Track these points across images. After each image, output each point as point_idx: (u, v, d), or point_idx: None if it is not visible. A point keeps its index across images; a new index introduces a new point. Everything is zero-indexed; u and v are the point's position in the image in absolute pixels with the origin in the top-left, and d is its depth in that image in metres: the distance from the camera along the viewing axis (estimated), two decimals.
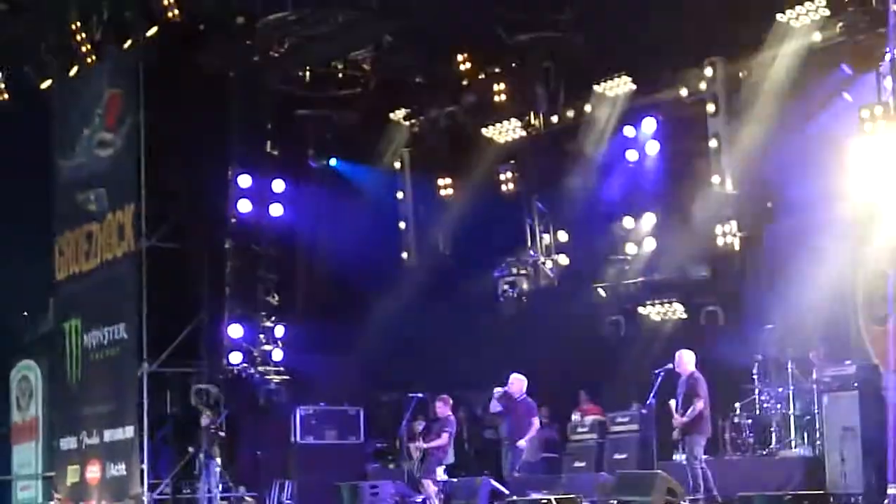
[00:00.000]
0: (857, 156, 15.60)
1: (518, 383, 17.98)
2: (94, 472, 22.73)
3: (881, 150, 15.26)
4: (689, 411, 15.17)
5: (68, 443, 23.62)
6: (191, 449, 20.90)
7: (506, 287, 22.23)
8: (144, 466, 21.24)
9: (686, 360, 15.60)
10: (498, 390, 17.99)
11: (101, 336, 22.85)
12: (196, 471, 20.83)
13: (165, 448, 21.59)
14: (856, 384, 14.64)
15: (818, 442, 15.96)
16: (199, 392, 21.45)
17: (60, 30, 22.76)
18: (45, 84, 23.95)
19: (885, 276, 15.91)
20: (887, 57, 15.36)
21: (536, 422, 18.03)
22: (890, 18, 15.15)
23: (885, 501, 13.35)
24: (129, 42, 21.93)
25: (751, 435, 17.19)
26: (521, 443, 17.65)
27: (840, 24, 16.22)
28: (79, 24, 22.30)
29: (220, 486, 20.55)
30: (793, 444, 16.82)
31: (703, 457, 15.43)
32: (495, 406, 18.14)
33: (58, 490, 23.65)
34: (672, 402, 15.58)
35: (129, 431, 21.75)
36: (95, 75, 23.06)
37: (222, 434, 20.74)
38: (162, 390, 21.73)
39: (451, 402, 18.59)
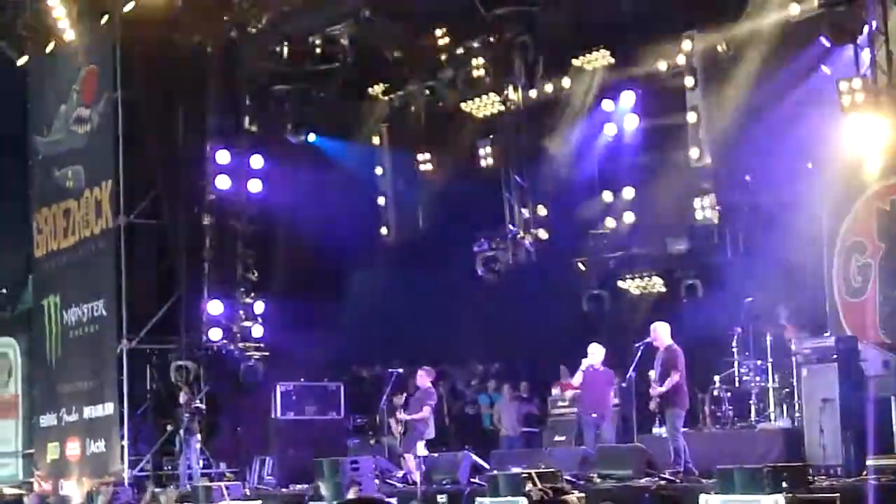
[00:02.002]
0: (836, 129, 15.64)
1: (600, 353, 17.24)
2: (74, 448, 22.71)
3: (859, 123, 15.30)
4: (665, 383, 15.21)
5: (48, 420, 23.59)
6: (170, 426, 20.88)
7: (485, 262, 22.22)
8: (125, 443, 21.23)
9: (661, 333, 15.61)
10: (585, 362, 17.17)
11: (81, 313, 22.79)
12: (176, 447, 20.82)
13: (145, 425, 21.59)
14: (835, 356, 14.69)
15: (797, 414, 16.03)
16: (179, 369, 21.43)
17: (37, 6, 22.57)
18: (22, 61, 23.78)
19: (862, 247, 16.01)
20: (865, 29, 15.38)
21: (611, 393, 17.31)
22: None
23: (864, 472, 13.43)
24: (105, 18, 21.78)
25: (730, 408, 17.26)
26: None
27: None
28: (55, 0, 22.12)
29: (201, 462, 20.56)
30: (772, 416, 16.90)
31: (682, 430, 15.49)
32: (579, 379, 17.27)
33: (38, 467, 23.62)
34: (651, 374, 15.62)
35: (108, 408, 21.73)
36: (72, 52, 22.91)
37: (202, 410, 20.72)
38: (141, 367, 21.70)
39: (433, 373, 18.53)
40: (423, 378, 18.31)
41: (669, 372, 15.25)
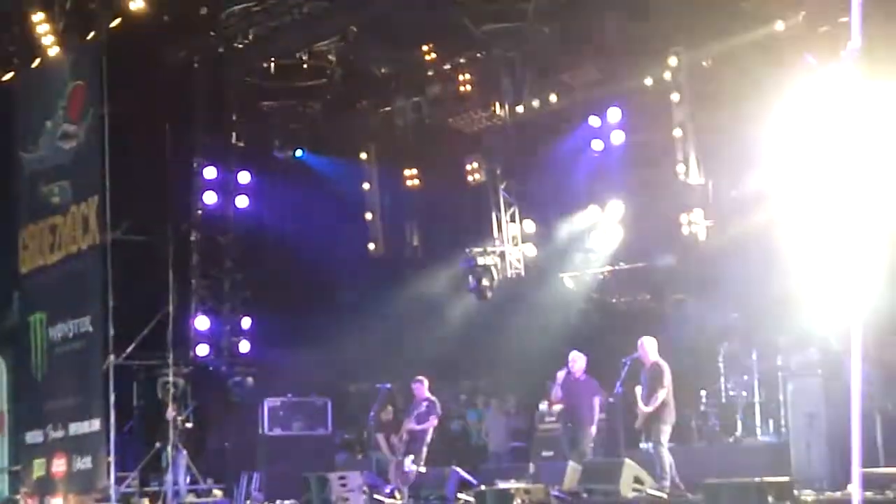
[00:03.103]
0: (821, 144, 15.70)
1: (581, 361, 16.98)
2: (59, 465, 22.59)
3: (845, 139, 15.32)
4: (651, 400, 15.23)
5: (34, 436, 23.45)
6: (157, 442, 20.81)
7: (473, 277, 22.25)
8: (111, 459, 21.15)
9: (648, 348, 15.63)
10: (560, 375, 16.95)
11: (67, 329, 22.69)
12: (163, 464, 20.75)
13: (132, 441, 21.49)
14: (820, 371, 14.74)
15: (783, 429, 16.07)
16: (166, 385, 21.34)
17: (22, 21, 22.55)
18: (8, 76, 23.73)
19: (848, 261, 16.03)
20: (850, 46, 15.43)
21: (597, 402, 16.85)
22: (853, 7, 15.21)
23: (848, 485, 13.46)
24: (92, 34, 21.75)
25: (717, 422, 17.29)
26: (591, 430, 16.66)
27: (802, 12, 16.30)
28: (41, 15, 22.11)
29: (188, 478, 20.49)
30: (758, 430, 16.94)
31: (669, 444, 15.50)
32: (557, 393, 17.02)
33: (24, 484, 23.50)
34: (638, 390, 15.63)
35: (95, 424, 21.62)
36: (58, 67, 22.87)
37: (189, 426, 20.68)
38: (128, 383, 21.61)
39: (426, 382, 18.41)
40: (422, 388, 18.20)
41: (656, 388, 15.27)
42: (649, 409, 15.25)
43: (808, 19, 16.07)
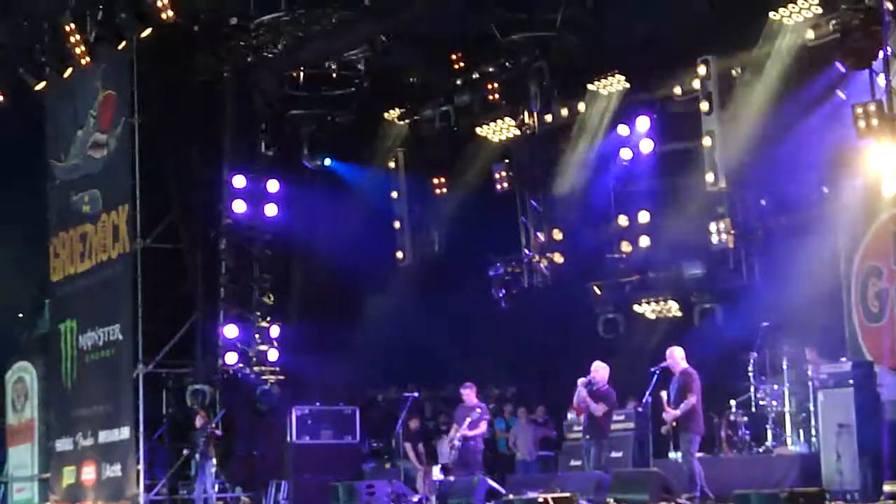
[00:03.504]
0: (851, 153, 15.64)
1: (603, 371, 16.99)
2: (89, 473, 22.71)
3: (875, 148, 15.29)
4: (681, 406, 15.18)
5: (64, 444, 23.59)
6: (186, 450, 20.88)
7: (501, 285, 22.25)
8: (140, 467, 21.23)
9: (678, 357, 15.62)
10: (582, 380, 16.99)
11: (97, 337, 22.82)
12: (192, 471, 20.82)
13: (161, 449, 21.57)
14: (851, 381, 14.66)
15: (814, 439, 15.98)
16: (195, 393, 21.43)
17: (54, 31, 22.72)
18: (40, 86, 23.91)
19: (879, 272, 15.97)
20: (880, 55, 15.39)
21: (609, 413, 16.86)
22: (884, 16, 15.19)
23: (882, 498, 13.37)
24: (122, 43, 21.90)
25: (747, 432, 17.20)
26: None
27: (833, 21, 16.24)
28: (73, 25, 22.26)
29: (216, 486, 20.55)
30: (788, 441, 16.84)
31: (698, 454, 15.45)
32: (581, 400, 17.05)
33: (54, 491, 23.63)
34: (664, 395, 15.57)
35: (124, 432, 21.73)
36: (89, 76, 23.03)
37: (218, 434, 20.74)
38: (157, 391, 21.70)
39: (475, 388, 18.25)
40: (471, 394, 18.14)
41: (685, 395, 15.23)
42: (677, 412, 15.18)
43: (838, 28, 15.99)
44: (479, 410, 17.90)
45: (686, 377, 15.43)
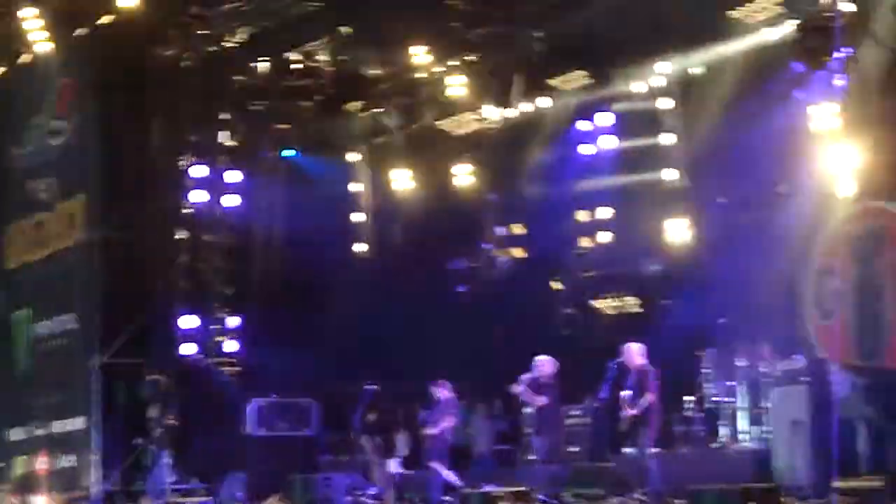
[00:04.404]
0: (808, 152, 15.74)
1: (547, 365, 17.11)
2: (42, 463, 22.55)
3: (831, 148, 15.41)
4: (639, 404, 15.25)
5: (17, 434, 23.42)
6: (141, 441, 20.77)
7: (461, 279, 22.26)
8: (95, 458, 21.10)
9: (634, 353, 15.67)
10: (524, 378, 17.13)
11: (52, 326, 22.67)
12: (147, 462, 20.71)
13: (116, 439, 21.44)
14: (804, 378, 14.77)
15: (768, 435, 16.09)
16: (151, 383, 21.31)
17: (12, 17, 22.48)
18: None
19: (833, 271, 16.09)
20: (837, 55, 15.50)
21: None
22: (839, 17, 15.31)
23: (833, 493, 13.49)
24: (82, 30, 21.72)
25: (702, 428, 17.30)
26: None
27: (791, 21, 16.34)
28: (31, 10, 22.04)
29: (172, 477, 20.44)
30: (742, 437, 16.95)
31: (653, 450, 15.52)
32: (529, 396, 17.19)
33: (6, 481, 23.44)
34: (623, 394, 15.64)
35: (79, 422, 21.60)
36: (47, 63, 22.83)
37: (174, 425, 20.63)
38: (113, 381, 21.57)
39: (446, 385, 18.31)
40: (444, 390, 18.17)
41: (643, 392, 15.29)
42: (635, 412, 15.27)
43: (797, 28, 16.09)
44: (444, 405, 18.08)
45: (642, 374, 15.50)
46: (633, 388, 15.43)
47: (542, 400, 16.83)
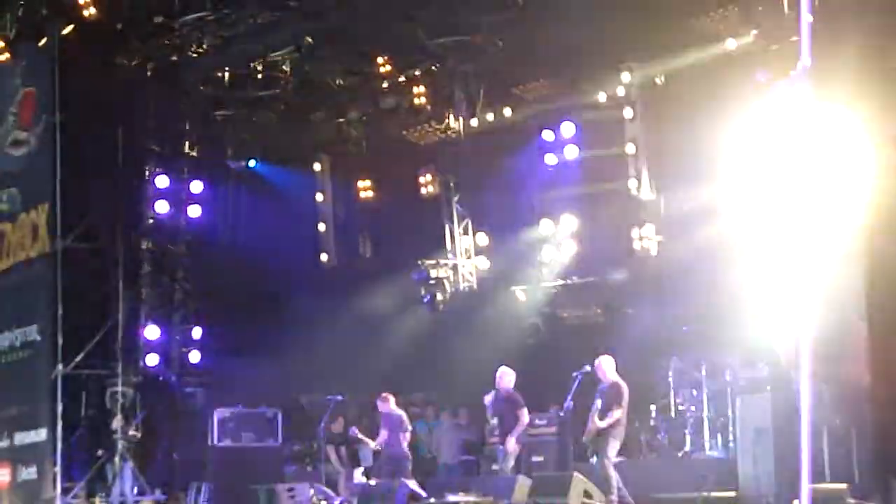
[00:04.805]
0: (771, 161, 15.83)
1: (508, 376, 17.18)
2: (3, 475, 22.31)
3: (793, 156, 15.49)
4: (606, 417, 15.25)
5: None
6: (100, 452, 20.62)
7: (425, 289, 22.26)
8: (57, 469, 20.90)
9: (606, 367, 15.66)
10: (488, 397, 17.28)
11: (13, 338, 22.41)
12: (110, 474, 20.56)
13: (79, 451, 21.26)
14: (768, 386, 14.86)
15: (731, 444, 16.16)
16: (115, 395, 21.16)
17: None
18: None
19: (796, 279, 16.19)
20: (800, 65, 15.61)
21: (523, 416, 17.03)
22: (804, 26, 15.40)
23: (795, 502, 13.56)
24: (44, 40, 21.56)
25: (665, 436, 17.37)
26: (510, 443, 16.89)
27: (753, 31, 16.48)
28: None
29: (135, 489, 20.30)
30: (707, 445, 17.03)
31: (616, 459, 15.54)
32: (491, 409, 17.38)
33: None
34: (592, 408, 15.60)
35: (41, 434, 21.36)
36: (9, 73, 22.62)
37: (137, 437, 20.50)
38: (76, 392, 21.39)
39: (391, 398, 18.43)
40: (387, 403, 18.24)
41: (612, 407, 15.29)
42: (602, 424, 15.27)
43: (759, 38, 16.23)
44: (395, 420, 18.17)
45: (615, 389, 15.47)
46: (603, 402, 15.41)
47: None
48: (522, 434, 17.11)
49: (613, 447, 15.30)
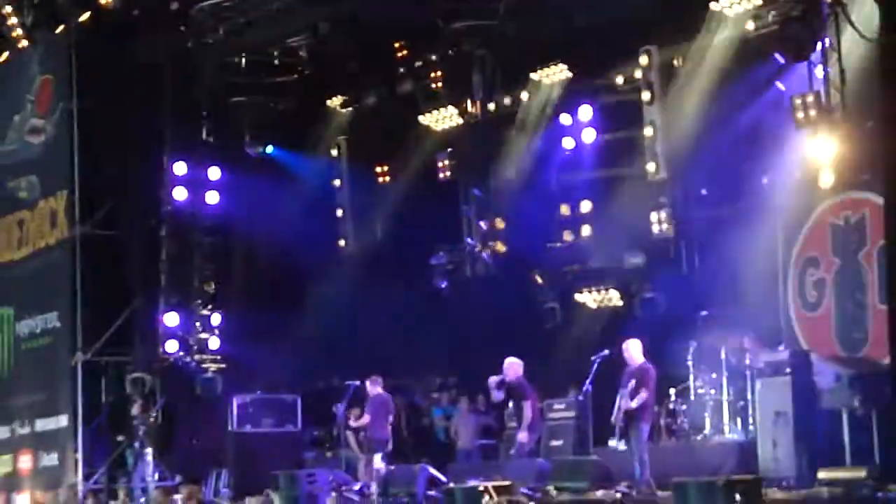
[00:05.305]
0: (790, 144, 15.80)
1: (514, 367, 17.23)
2: (25, 461, 22.49)
3: (813, 139, 15.47)
4: (635, 400, 15.17)
5: (0, 432, 23.34)
6: (121, 438, 20.74)
7: (443, 274, 22.25)
8: (78, 456, 21.04)
9: (634, 350, 15.56)
10: (493, 379, 17.31)
11: (34, 325, 22.60)
12: (130, 460, 20.67)
13: (99, 437, 21.40)
14: (788, 370, 14.82)
15: (751, 427, 16.13)
16: (135, 381, 21.27)
17: None
18: None
19: (816, 262, 16.15)
20: (819, 46, 15.56)
21: (528, 408, 17.03)
22: (822, 8, 15.36)
23: (817, 485, 13.55)
24: (61, 27, 21.64)
25: (685, 420, 17.32)
26: (521, 436, 16.96)
27: (772, 13, 16.39)
28: (10, 8, 21.95)
29: (156, 475, 20.40)
30: (726, 429, 16.98)
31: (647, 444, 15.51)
32: (497, 396, 17.42)
33: None
34: (620, 391, 15.49)
35: (62, 421, 21.54)
36: (27, 60, 22.75)
37: (157, 423, 20.59)
38: (96, 379, 21.53)
39: (379, 380, 18.57)
40: (376, 385, 18.33)
41: (639, 390, 15.21)
42: (633, 405, 15.17)
43: (778, 20, 16.14)
44: (378, 401, 18.31)
45: (643, 373, 15.38)
46: (632, 386, 15.31)
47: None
48: (535, 423, 17.12)
49: (645, 431, 15.23)
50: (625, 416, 15.30)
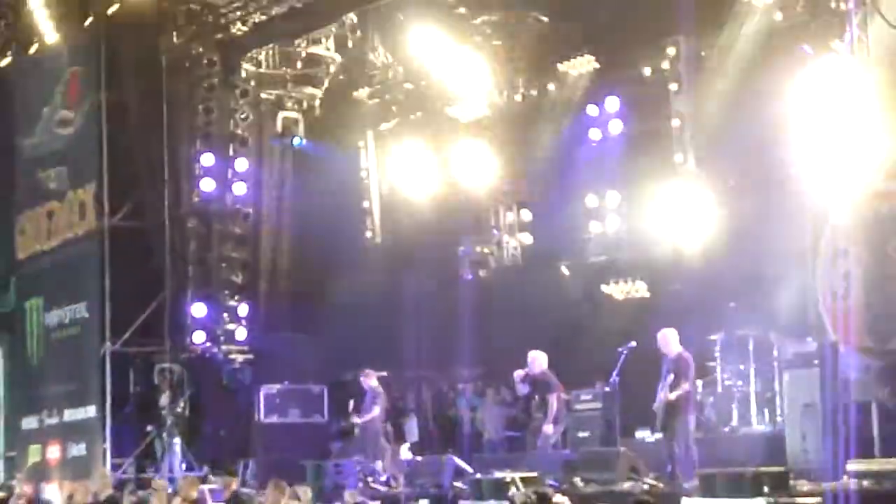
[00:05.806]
0: (818, 134, 15.70)
1: (539, 360, 17.37)
2: (54, 452, 22.63)
3: (841, 131, 15.37)
4: (676, 391, 15.07)
5: (29, 422, 23.50)
6: (149, 428, 20.84)
7: (470, 266, 22.24)
8: (107, 446, 21.16)
9: (671, 340, 15.46)
10: (519, 372, 17.44)
11: (63, 315, 22.73)
12: (158, 450, 20.77)
13: (127, 427, 21.51)
14: (816, 361, 14.76)
15: (779, 418, 16.08)
16: (162, 371, 21.37)
17: (20, 7, 22.52)
18: (5, 62, 23.71)
19: (845, 253, 16.06)
20: (846, 37, 15.46)
21: (554, 400, 17.15)
22: None
23: (846, 476, 13.49)
24: (90, 20, 21.73)
25: (713, 412, 17.29)
26: (547, 428, 17.05)
27: (801, 3, 16.30)
28: (39, 0, 22.07)
29: (183, 465, 20.50)
30: (754, 420, 16.94)
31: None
32: (522, 389, 17.57)
33: (19, 470, 23.53)
34: (661, 382, 15.39)
35: (90, 411, 21.66)
36: (56, 53, 22.86)
37: (185, 413, 20.69)
38: (124, 370, 21.64)
39: (373, 374, 18.71)
40: (369, 379, 18.43)
41: (679, 381, 15.09)
42: (672, 397, 15.05)
43: (805, 10, 16.05)
44: (370, 395, 18.52)
45: (680, 362, 15.27)
46: (671, 376, 15.20)
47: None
48: (560, 415, 17.12)
49: (690, 422, 15.12)
50: (665, 407, 15.17)
